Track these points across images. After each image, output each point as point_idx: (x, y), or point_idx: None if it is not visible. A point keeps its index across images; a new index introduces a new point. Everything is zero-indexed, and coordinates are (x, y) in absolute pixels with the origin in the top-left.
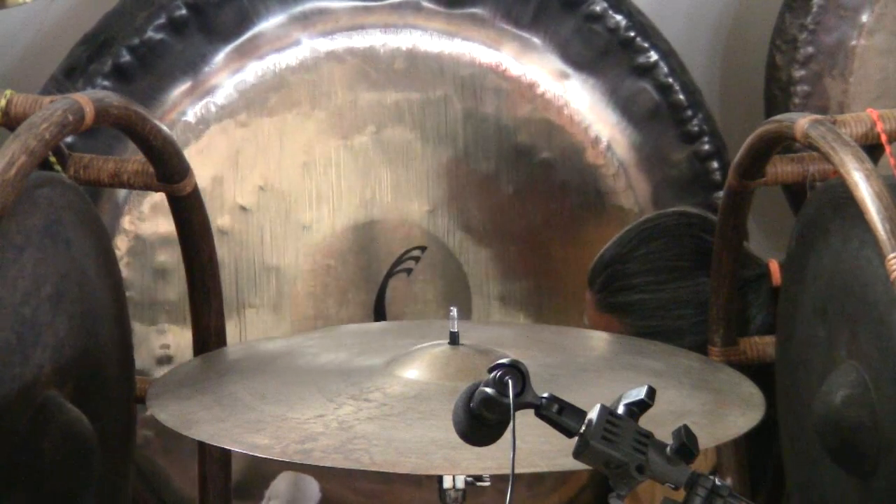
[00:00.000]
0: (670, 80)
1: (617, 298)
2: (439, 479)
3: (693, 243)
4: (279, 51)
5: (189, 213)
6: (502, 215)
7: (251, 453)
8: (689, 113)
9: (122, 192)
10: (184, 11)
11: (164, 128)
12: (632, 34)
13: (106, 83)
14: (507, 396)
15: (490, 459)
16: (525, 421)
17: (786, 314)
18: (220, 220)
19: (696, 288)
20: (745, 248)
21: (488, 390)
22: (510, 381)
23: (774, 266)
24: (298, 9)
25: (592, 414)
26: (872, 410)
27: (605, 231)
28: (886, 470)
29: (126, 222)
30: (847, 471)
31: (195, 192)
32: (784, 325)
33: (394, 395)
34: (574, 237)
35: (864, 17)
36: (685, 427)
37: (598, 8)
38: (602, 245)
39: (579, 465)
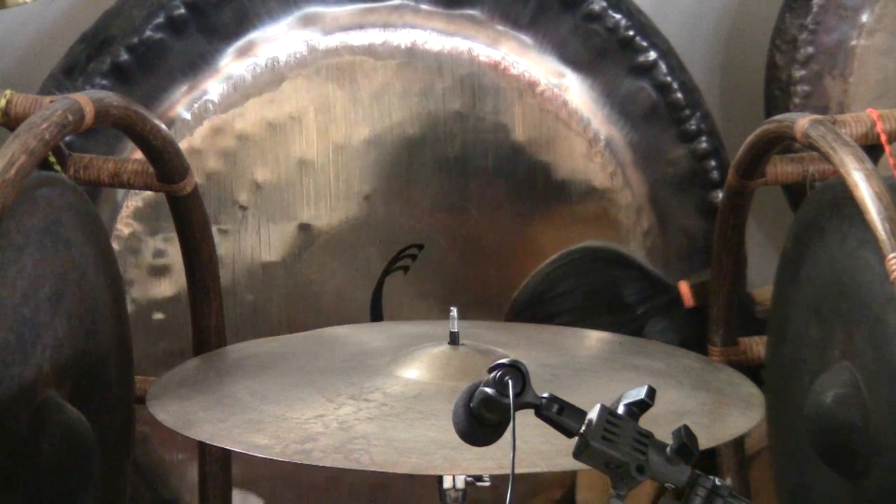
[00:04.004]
0: (669, 79)
1: None
2: (439, 479)
3: (601, 279)
4: (278, 49)
5: (189, 213)
6: (500, 213)
7: (251, 453)
8: (688, 112)
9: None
10: (183, 11)
11: (164, 128)
12: (631, 33)
13: (105, 82)
14: (507, 396)
15: (490, 459)
16: (525, 421)
17: (779, 314)
18: (217, 218)
19: (617, 324)
20: (651, 273)
21: (488, 390)
22: (510, 381)
23: (685, 288)
24: (298, 7)
25: (592, 414)
26: (864, 411)
27: (602, 229)
28: (878, 471)
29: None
30: (838, 472)
31: (195, 192)
32: (777, 325)
33: (394, 395)
34: (572, 235)
35: (864, 17)
36: (685, 427)
37: (596, 7)
38: (598, 242)
39: (579, 465)
